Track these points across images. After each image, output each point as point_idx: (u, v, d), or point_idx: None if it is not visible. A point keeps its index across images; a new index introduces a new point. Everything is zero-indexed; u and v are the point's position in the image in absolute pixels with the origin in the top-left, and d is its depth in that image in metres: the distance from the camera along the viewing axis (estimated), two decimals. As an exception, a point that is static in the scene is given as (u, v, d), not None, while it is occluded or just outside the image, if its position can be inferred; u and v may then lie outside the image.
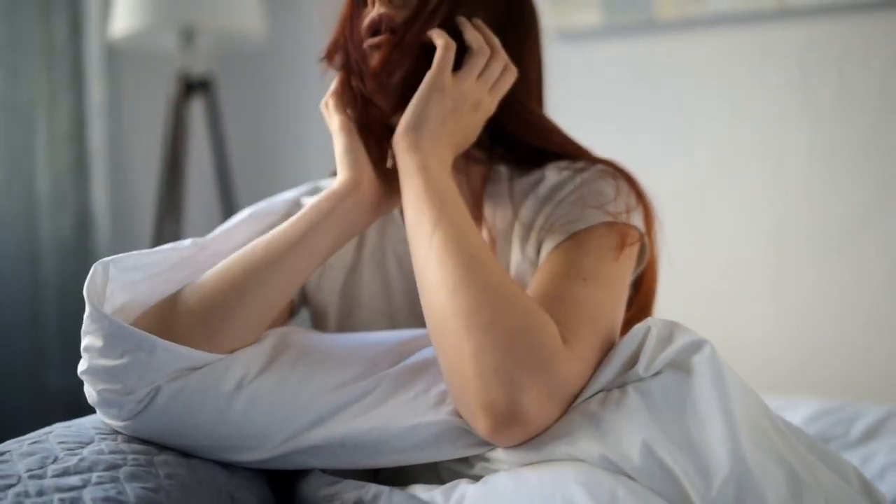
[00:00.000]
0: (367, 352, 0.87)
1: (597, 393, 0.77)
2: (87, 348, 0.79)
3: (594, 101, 2.03)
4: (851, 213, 1.85)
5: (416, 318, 1.04)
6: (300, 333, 0.91)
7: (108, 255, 0.83)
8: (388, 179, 0.94)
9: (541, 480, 0.71)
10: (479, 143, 0.97)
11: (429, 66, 0.89)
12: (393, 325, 1.04)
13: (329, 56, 1.02)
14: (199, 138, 2.37)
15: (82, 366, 0.80)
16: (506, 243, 0.99)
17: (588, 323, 0.80)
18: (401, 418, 0.79)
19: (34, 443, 0.77)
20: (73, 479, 0.71)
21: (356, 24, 0.95)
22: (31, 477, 0.71)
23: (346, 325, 1.05)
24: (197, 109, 2.33)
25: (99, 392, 0.79)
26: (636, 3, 1.99)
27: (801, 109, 1.87)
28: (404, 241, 1.02)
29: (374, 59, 0.92)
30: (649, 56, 2.03)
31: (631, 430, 0.70)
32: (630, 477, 0.69)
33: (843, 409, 1.40)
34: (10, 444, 0.77)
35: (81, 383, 0.81)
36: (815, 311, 1.89)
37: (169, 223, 2.17)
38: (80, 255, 2.23)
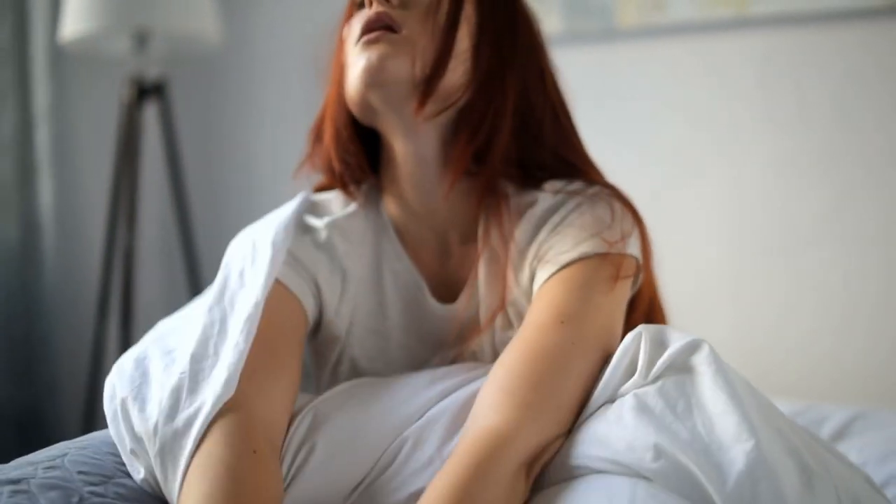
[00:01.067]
0: (394, 420, 0.86)
1: (600, 407, 0.77)
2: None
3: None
4: (810, 220, 1.87)
5: (409, 335, 1.02)
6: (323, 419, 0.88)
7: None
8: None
9: (563, 497, 0.72)
10: (490, 153, 0.95)
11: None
12: (387, 343, 1.02)
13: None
14: (151, 143, 2.31)
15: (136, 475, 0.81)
16: (499, 265, 0.97)
17: (553, 373, 0.80)
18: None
19: (50, 468, 0.75)
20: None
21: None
22: None
23: (345, 347, 1.02)
24: (150, 114, 2.28)
25: None
26: (597, 11, 2.00)
27: (760, 118, 1.89)
28: (399, 258, 1.01)
29: (373, 55, 0.90)
30: (610, 64, 2.03)
31: (641, 435, 0.71)
32: (647, 479, 0.70)
33: (809, 412, 1.40)
34: (23, 469, 0.74)
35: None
36: (775, 317, 1.90)
37: (122, 230, 2.11)
38: (25, 263, 2.16)
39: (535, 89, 0.97)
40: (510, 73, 0.94)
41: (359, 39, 0.91)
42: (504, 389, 0.79)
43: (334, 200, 1.05)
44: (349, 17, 0.97)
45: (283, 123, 2.40)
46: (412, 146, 0.97)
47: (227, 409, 0.77)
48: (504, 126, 0.94)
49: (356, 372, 1.02)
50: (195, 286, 2.21)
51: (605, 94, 2.01)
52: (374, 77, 0.90)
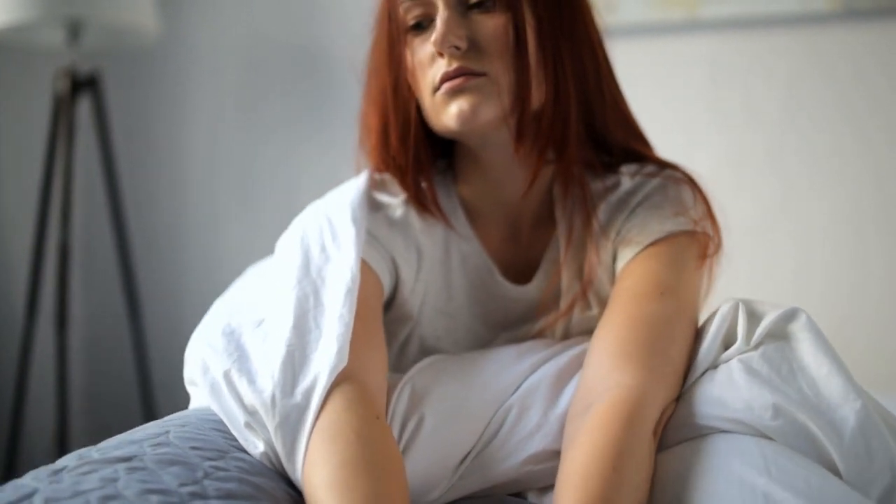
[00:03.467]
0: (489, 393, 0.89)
1: (704, 372, 0.81)
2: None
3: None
4: (758, 217, 1.90)
5: (474, 318, 1.04)
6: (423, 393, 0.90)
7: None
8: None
9: (696, 456, 0.75)
10: (555, 141, 0.96)
11: None
12: (453, 324, 1.03)
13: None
14: (84, 138, 2.25)
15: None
16: (580, 245, 1.00)
17: (664, 340, 0.84)
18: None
19: (158, 445, 0.74)
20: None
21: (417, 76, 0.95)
22: (192, 496, 0.66)
23: (415, 326, 1.03)
24: (83, 108, 2.20)
25: None
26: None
27: (710, 118, 1.90)
28: (468, 240, 1.02)
29: (465, 104, 0.91)
30: (560, 63, 2.01)
31: (757, 396, 0.75)
32: (768, 437, 0.74)
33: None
34: (127, 448, 0.73)
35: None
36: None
37: (53, 227, 2.05)
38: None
39: (597, 81, 0.99)
40: (574, 74, 0.96)
41: (439, 86, 0.92)
42: (622, 355, 0.82)
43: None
44: (394, 28, 0.96)
45: (218, 118, 2.36)
46: (491, 152, 0.99)
47: (341, 379, 0.78)
48: (572, 121, 0.96)
49: (424, 351, 1.03)
50: (129, 282, 2.16)
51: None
52: (468, 124, 0.91)
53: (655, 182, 0.99)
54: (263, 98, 2.33)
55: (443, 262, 1.02)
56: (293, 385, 0.77)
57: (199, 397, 0.89)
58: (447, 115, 0.92)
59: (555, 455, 0.82)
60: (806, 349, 0.78)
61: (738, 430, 0.76)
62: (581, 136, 0.98)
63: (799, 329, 0.81)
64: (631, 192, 0.99)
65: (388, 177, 1.03)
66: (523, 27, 0.91)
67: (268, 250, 2.51)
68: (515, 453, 0.83)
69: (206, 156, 2.38)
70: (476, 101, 0.90)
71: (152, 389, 2.20)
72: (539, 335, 1.02)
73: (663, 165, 1.01)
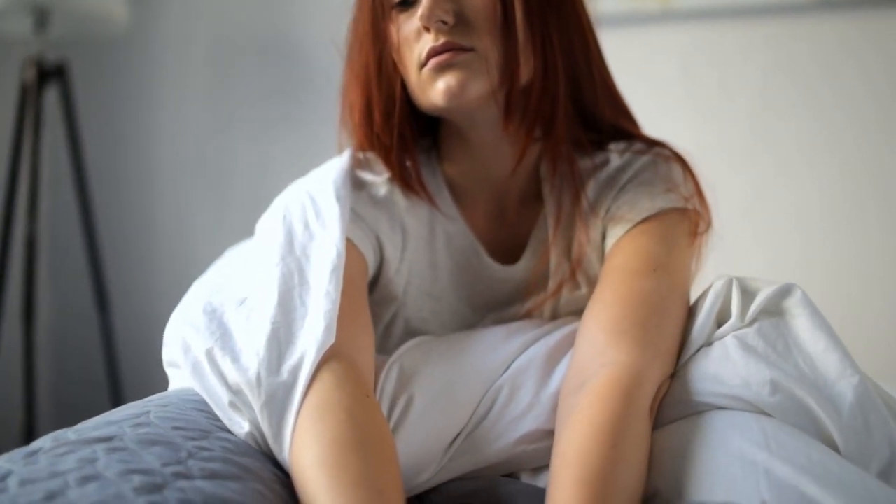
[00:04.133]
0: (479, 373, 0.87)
1: (699, 349, 0.80)
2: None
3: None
4: (732, 208, 1.89)
5: (460, 299, 1.02)
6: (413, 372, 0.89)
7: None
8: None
9: (695, 433, 0.74)
10: (543, 118, 0.95)
11: None
12: (439, 306, 1.01)
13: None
14: (51, 129, 2.21)
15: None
16: (569, 224, 0.99)
17: (658, 316, 0.82)
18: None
19: (138, 425, 0.71)
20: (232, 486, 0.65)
21: (402, 49, 0.92)
22: (175, 476, 0.63)
23: (400, 307, 1.01)
24: (51, 98, 2.17)
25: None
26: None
27: (685, 108, 1.91)
28: (453, 220, 1.00)
29: (452, 80, 0.88)
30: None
31: (754, 372, 0.74)
32: (766, 414, 0.73)
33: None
34: (106, 428, 0.71)
35: None
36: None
37: (20, 219, 2.01)
38: None
39: (585, 57, 0.97)
40: (562, 50, 0.93)
41: (425, 62, 0.89)
42: (616, 332, 0.80)
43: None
44: (378, 3, 0.93)
45: (187, 109, 2.33)
46: (478, 129, 0.97)
47: (329, 357, 0.76)
48: (561, 97, 0.94)
49: (409, 333, 1.01)
50: (97, 275, 2.13)
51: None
52: (456, 100, 0.89)
53: (645, 159, 0.97)
54: (232, 88, 2.31)
55: (428, 241, 1.00)
56: (279, 363, 0.75)
57: (180, 379, 0.86)
58: (434, 91, 0.89)
59: (547, 435, 0.81)
60: (802, 325, 0.78)
61: (735, 407, 0.75)
62: (569, 112, 0.97)
63: (794, 305, 0.80)
64: (620, 169, 0.97)
65: (371, 155, 1.01)
66: (511, 1, 0.88)
67: (237, 240, 2.50)
68: (507, 433, 0.82)
69: (175, 146, 2.36)
70: (464, 77, 0.88)
71: (121, 384, 2.17)
72: (527, 316, 1.01)
73: (652, 143, 1.00)
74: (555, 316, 1.00)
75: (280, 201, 0.97)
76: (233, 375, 0.75)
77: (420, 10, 0.87)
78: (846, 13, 1.80)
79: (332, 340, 0.76)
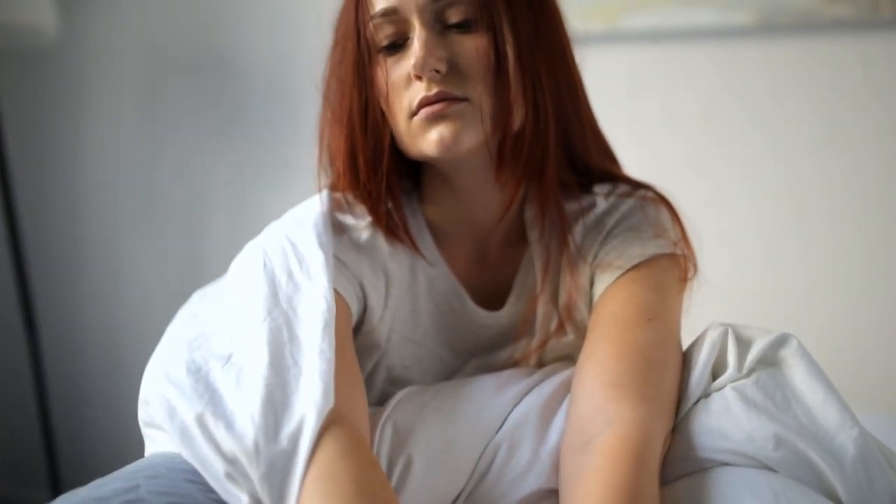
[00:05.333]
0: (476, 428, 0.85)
1: (696, 401, 0.79)
2: None
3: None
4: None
5: (440, 344, 0.99)
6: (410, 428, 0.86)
7: None
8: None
9: (704, 492, 0.73)
10: (535, 164, 0.92)
11: None
12: (420, 352, 0.98)
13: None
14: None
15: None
16: (556, 270, 0.97)
17: (657, 368, 0.81)
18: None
19: (128, 502, 0.68)
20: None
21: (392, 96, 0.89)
22: None
23: (383, 355, 0.97)
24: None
25: None
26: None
27: (628, 128, 1.89)
28: (436, 264, 0.97)
29: (445, 131, 0.85)
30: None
31: (757, 426, 0.74)
32: (770, 468, 0.73)
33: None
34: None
35: None
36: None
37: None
38: None
39: (573, 100, 0.96)
40: (552, 94, 0.91)
41: (416, 111, 0.86)
42: (616, 385, 0.79)
43: None
44: (364, 47, 0.90)
45: (118, 123, 2.26)
46: (465, 174, 0.94)
47: (330, 422, 0.72)
48: (552, 143, 0.92)
49: (392, 381, 0.98)
50: (24, 295, 2.06)
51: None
52: (449, 151, 0.86)
53: (631, 202, 0.96)
54: (166, 103, 2.25)
55: (409, 286, 0.97)
56: (276, 429, 0.71)
57: (162, 441, 0.82)
58: (426, 141, 0.87)
59: (550, 494, 0.79)
60: (799, 376, 0.78)
61: (739, 463, 0.74)
62: (559, 157, 0.95)
63: (790, 355, 0.80)
64: (606, 213, 0.96)
65: (350, 196, 0.97)
66: (504, 49, 0.86)
67: (171, 260, 2.44)
68: (509, 494, 0.80)
69: (106, 162, 2.28)
70: (458, 128, 0.85)
71: (49, 406, 2.10)
72: (513, 363, 0.99)
73: (636, 185, 0.99)
74: (541, 362, 0.98)
75: (257, 246, 0.92)
76: (227, 443, 0.71)
77: (413, 59, 0.84)
78: (791, 36, 1.81)
79: (331, 404, 0.73)
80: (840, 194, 1.82)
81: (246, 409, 0.73)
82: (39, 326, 2.13)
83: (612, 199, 0.97)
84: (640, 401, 0.77)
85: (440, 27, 0.86)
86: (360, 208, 0.95)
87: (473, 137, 0.86)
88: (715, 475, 0.74)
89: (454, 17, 0.86)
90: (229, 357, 0.79)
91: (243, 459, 0.70)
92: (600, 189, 0.98)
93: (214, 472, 0.72)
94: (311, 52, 2.05)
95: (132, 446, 2.35)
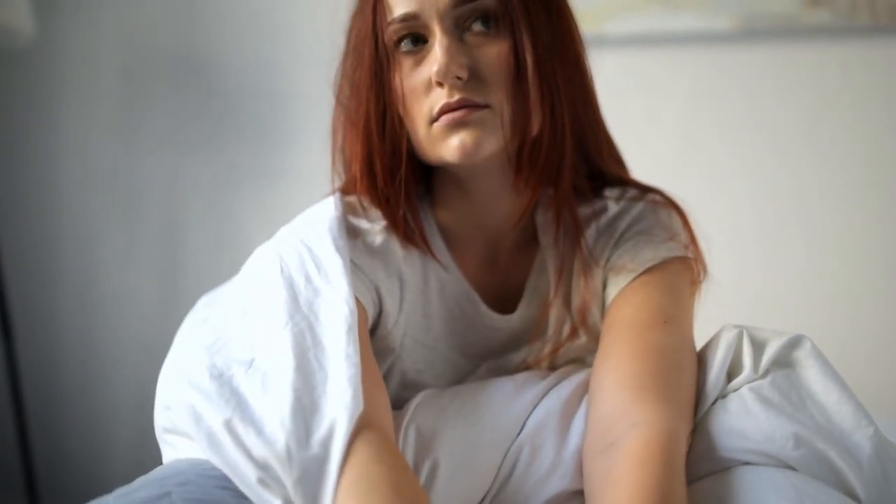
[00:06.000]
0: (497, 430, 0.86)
1: (714, 402, 0.81)
2: None
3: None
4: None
5: (452, 348, 0.99)
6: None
7: None
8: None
9: (728, 492, 0.74)
10: (552, 170, 0.92)
11: None
12: (432, 356, 0.98)
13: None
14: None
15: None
16: (568, 272, 0.97)
17: (676, 370, 0.82)
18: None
19: None
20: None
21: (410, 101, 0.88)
22: None
23: (397, 359, 0.97)
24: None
25: None
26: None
27: (612, 131, 1.89)
28: (448, 268, 0.97)
29: (467, 138, 0.85)
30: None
31: (776, 426, 0.75)
32: (790, 467, 0.74)
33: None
34: None
35: None
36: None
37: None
38: None
39: (585, 105, 0.96)
40: (568, 101, 0.91)
41: (437, 117, 0.86)
42: (638, 388, 0.79)
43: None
44: (382, 50, 0.89)
45: (95, 127, 2.23)
46: (480, 179, 0.95)
47: (361, 426, 0.72)
48: (568, 149, 0.92)
49: (405, 386, 0.98)
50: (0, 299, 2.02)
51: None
52: (470, 158, 0.86)
53: (641, 206, 0.97)
54: (144, 106, 2.22)
55: (422, 290, 0.97)
56: (307, 433, 0.71)
57: (183, 448, 0.81)
58: (446, 148, 0.87)
59: (574, 496, 0.80)
60: (813, 376, 0.79)
61: (760, 462, 0.75)
62: (574, 162, 0.95)
63: (804, 356, 0.81)
64: (617, 217, 0.97)
65: (364, 199, 0.96)
66: (524, 55, 0.86)
67: (148, 266, 2.39)
68: (533, 496, 0.81)
69: (82, 166, 2.25)
70: (479, 135, 0.85)
71: (25, 412, 2.06)
72: (525, 367, 0.99)
73: (645, 189, 1.00)
74: (552, 364, 0.99)
75: (271, 251, 0.91)
76: (258, 449, 0.71)
77: (435, 65, 0.84)
78: (772, 42, 1.84)
79: (360, 408, 0.73)
80: (817, 196, 1.86)
81: (275, 414, 0.72)
82: (15, 332, 2.09)
83: (622, 203, 0.98)
84: (663, 403, 0.78)
85: (459, 32, 0.86)
86: (374, 212, 0.95)
87: (493, 144, 0.87)
88: (738, 474, 0.75)
89: (474, 23, 0.86)
90: (251, 362, 0.79)
91: (276, 465, 0.69)
92: (610, 193, 0.99)
93: (246, 477, 0.71)
94: (293, 54, 2.05)
95: (110, 452, 2.33)
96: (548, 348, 0.99)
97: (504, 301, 1.00)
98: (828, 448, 0.74)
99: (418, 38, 0.87)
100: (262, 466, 0.70)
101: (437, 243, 0.98)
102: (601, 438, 0.78)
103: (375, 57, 0.89)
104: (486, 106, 0.86)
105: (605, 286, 0.96)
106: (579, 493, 0.80)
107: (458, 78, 0.84)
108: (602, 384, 0.83)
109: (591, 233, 0.97)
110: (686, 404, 0.80)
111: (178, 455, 0.82)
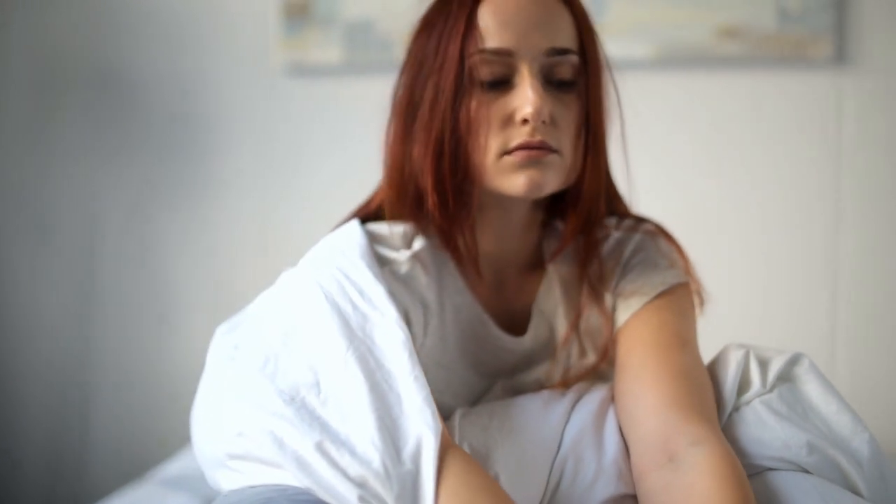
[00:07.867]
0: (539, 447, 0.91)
1: (729, 415, 0.89)
2: None
3: (338, 136, 2.02)
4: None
5: (466, 368, 1.04)
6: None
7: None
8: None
9: (763, 496, 0.81)
10: (595, 213, 1.01)
11: None
12: (449, 376, 1.02)
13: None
14: None
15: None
16: (576, 296, 1.04)
17: (704, 389, 0.90)
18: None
19: None
20: None
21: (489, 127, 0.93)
22: None
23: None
24: None
25: None
26: (377, 44, 2.02)
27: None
28: (461, 293, 1.02)
29: (538, 176, 0.92)
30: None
31: (791, 434, 0.84)
32: (806, 471, 0.83)
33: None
34: None
35: None
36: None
37: None
38: None
39: (607, 157, 1.03)
40: (604, 153, 1.01)
41: (511, 151, 0.92)
42: (683, 406, 0.86)
43: (393, 231, 1.01)
44: (468, 79, 0.93)
45: (4, 143, 2.19)
46: (510, 210, 1.02)
47: (445, 443, 0.78)
48: (603, 195, 1.01)
49: None
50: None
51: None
52: (534, 194, 0.94)
53: (639, 236, 1.05)
54: (57, 122, 2.18)
55: (438, 315, 1.01)
56: (396, 451, 0.75)
57: (253, 474, 0.81)
58: (514, 181, 0.93)
59: (619, 500, 0.87)
60: (813, 390, 0.89)
61: (781, 467, 0.84)
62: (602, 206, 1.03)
63: (804, 372, 0.91)
64: (620, 244, 1.05)
65: (383, 229, 1.00)
66: (592, 113, 0.95)
67: (64, 285, 2.28)
68: (586, 502, 0.87)
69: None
70: (547, 176, 0.93)
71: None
72: (538, 385, 1.05)
73: (638, 219, 1.08)
74: (564, 382, 1.04)
75: (305, 276, 0.93)
76: (354, 468, 0.74)
77: (528, 106, 0.90)
78: (687, 70, 1.93)
79: (441, 427, 0.78)
80: (726, 218, 1.94)
81: (363, 434, 0.76)
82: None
83: (620, 231, 1.06)
84: (708, 421, 0.85)
85: (543, 80, 0.93)
86: (396, 240, 0.99)
87: (554, 186, 0.95)
88: (767, 479, 0.83)
89: (559, 74, 0.94)
90: (317, 384, 0.82)
91: (374, 482, 0.73)
92: (608, 222, 1.07)
93: (344, 498, 0.74)
94: (209, 67, 2.01)
95: (19, 474, 2.15)
96: (560, 368, 1.05)
97: (514, 323, 1.06)
98: (836, 454, 0.83)
99: (504, 77, 0.93)
100: (360, 484, 0.74)
101: (450, 268, 1.03)
102: (656, 455, 0.84)
103: (459, 80, 0.92)
104: (557, 151, 0.93)
105: (613, 310, 1.02)
106: (624, 498, 0.87)
107: (543, 122, 0.91)
108: (641, 403, 0.89)
109: (595, 260, 1.04)
110: (717, 420, 0.88)
111: (247, 482, 0.82)
